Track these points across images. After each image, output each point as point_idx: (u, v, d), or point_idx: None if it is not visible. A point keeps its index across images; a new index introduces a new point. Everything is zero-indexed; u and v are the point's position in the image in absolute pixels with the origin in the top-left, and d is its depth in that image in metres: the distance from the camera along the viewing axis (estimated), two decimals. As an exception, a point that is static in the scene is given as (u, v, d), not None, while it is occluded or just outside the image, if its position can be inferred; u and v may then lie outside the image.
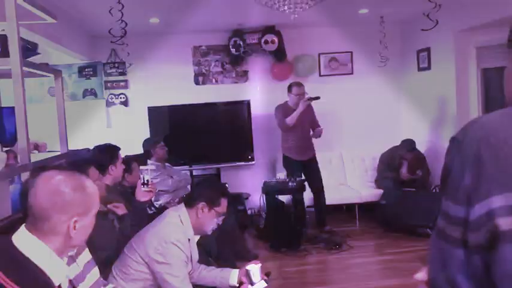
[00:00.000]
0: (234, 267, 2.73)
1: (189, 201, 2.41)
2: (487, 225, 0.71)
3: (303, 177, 5.09)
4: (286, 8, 3.69)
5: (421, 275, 0.88)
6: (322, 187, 5.18)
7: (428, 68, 5.48)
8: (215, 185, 2.45)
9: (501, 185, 0.71)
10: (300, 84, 5.07)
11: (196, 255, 2.41)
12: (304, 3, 3.53)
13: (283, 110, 5.02)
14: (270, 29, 5.71)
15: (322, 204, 5.21)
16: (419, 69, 5.68)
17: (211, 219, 2.41)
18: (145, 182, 2.86)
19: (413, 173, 5.28)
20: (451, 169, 0.79)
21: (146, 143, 4.69)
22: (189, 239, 2.34)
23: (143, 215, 2.82)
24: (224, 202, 2.44)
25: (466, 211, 0.74)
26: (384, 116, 6.17)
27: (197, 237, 2.46)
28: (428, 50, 5.44)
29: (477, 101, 5.00)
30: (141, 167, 3.26)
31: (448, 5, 4.26)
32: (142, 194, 2.83)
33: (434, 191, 5.29)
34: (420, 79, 5.70)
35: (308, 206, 5.25)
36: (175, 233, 2.27)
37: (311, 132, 5.16)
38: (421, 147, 5.50)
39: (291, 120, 4.89)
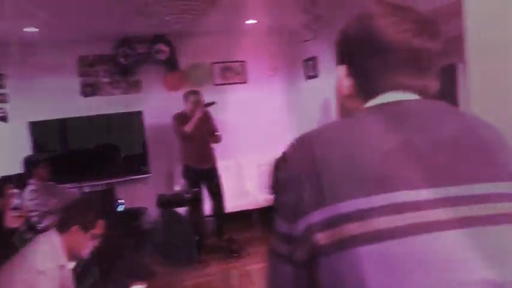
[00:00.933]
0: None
1: (61, 225, 2.25)
2: (308, 241, 0.72)
3: (202, 186, 5.04)
4: (169, 18, 3.63)
5: None
6: (222, 196, 5.17)
7: (316, 76, 5.72)
8: (89, 205, 2.31)
9: (317, 201, 0.72)
10: (196, 92, 5.03)
11: (69, 283, 2.25)
12: (186, 13, 3.50)
13: (181, 118, 4.95)
14: (161, 38, 5.61)
15: (221, 213, 5.20)
16: (307, 77, 5.92)
17: (86, 243, 2.27)
18: (16, 207, 2.63)
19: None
20: (279, 186, 0.79)
21: (26, 162, 4.34)
22: (62, 266, 2.18)
23: (10, 245, 2.58)
24: (101, 223, 2.31)
25: (290, 227, 0.75)
26: (277, 123, 6.33)
27: (72, 264, 2.30)
28: (314, 59, 5.68)
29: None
30: (14, 191, 3.00)
31: (330, 16, 4.47)
32: (11, 220, 2.59)
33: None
34: (308, 87, 5.94)
35: (207, 216, 5.21)
36: (44, 261, 2.10)
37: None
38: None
39: (188, 127, 4.84)
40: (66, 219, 2.26)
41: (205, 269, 4.45)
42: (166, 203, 4.83)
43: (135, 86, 5.84)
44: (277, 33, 5.84)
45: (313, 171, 0.73)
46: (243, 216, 5.86)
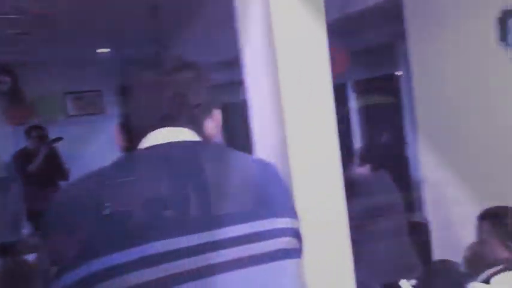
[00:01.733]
0: None
1: None
2: None
3: None
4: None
5: None
6: None
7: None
8: None
9: (68, 260, 0.66)
10: (39, 127, 4.62)
11: None
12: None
13: (23, 156, 4.47)
14: (1, 68, 5.05)
15: None
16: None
17: None
18: None
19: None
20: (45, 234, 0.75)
21: None
22: None
23: None
24: None
25: None
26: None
27: None
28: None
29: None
30: None
31: (176, 45, 4.46)
32: None
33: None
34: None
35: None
36: None
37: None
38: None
39: (34, 166, 4.41)
40: None
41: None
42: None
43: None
44: (132, 60, 5.65)
45: (64, 228, 0.69)
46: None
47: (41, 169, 4.47)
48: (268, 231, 0.73)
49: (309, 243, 0.86)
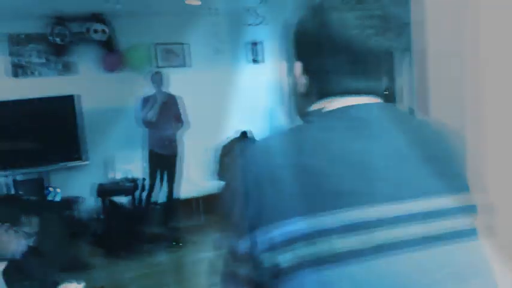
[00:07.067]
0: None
1: (-13, 225, 2.04)
2: (270, 261, 0.65)
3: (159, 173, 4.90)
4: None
5: None
6: (173, 184, 5.04)
7: (260, 60, 5.65)
8: (19, 202, 2.13)
9: (278, 217, 0.65)
10: (156, 72, 4.88)
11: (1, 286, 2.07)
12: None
13: (146, 102, 4.75)
14: (97, 17, 5.29)
15: (170, 201, 5.06)
16: (253, 61, 5.84)
17: (18, 242, 2.08)
18: None
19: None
20: (233, 197, 0.71)
21: None
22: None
23: None
24: (34, 220, 2.13)
25: (248, 245, 0.67)
26: (221, 107, 6.22)
27: (2, 265, 2.11)
28: (260, 43, 5.60)
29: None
30: None
31: (275, 0, 4.41)
32: None
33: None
34: (254, 71, 5.87)
35: (152, 203, 5.04)
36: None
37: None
38: (258, 137, 5.69)
39: (151, 115, 4.67)
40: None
41: (147, 260, 4.32)
42: (106, 191, 4.63)
43: (70, 67, 5.50)
44: (221, 15, 5.68)
45: (273, 182, 0.67)
46: (189, 204, 5.74)
47: (160, 115, 4.69)
48: (462, 207, 0.70)
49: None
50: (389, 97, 0.72)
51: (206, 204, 5.50)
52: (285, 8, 4.85)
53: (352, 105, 0.74)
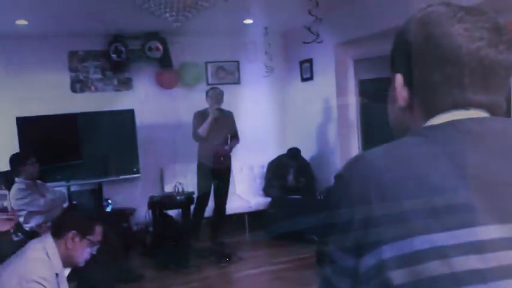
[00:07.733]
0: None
1: (57, 231, 2.13)
2: (378, 278, 0.63)
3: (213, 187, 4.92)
4: (168, 15, 3.52)
5: None
6: (225, 200, 5.07)
7: (311, 78, 5.66)
8: (86, 210, 2.21)
9: (390, 232, 0.63)
10: (214, 88, 4.94)
11: (66, 292, 2.14)
12: (186, 11, 3.39)
13: (200, 117, 4.82)
14: (153, 35, 5.48)
15: (220, 216, 5.10)
16: (303, 79, 5.85)
17: (83, 250, 2.15)
18: (4, 208, 2.48)
19: (298, 181, 5.43)
20: (338, 212, 0.70)
21: (14, 159, 4.17)
22: (57, 274, 2.06)
23: (4, 248, 2.44)
24: (98, 229, 2.20)
25: (355, 261, 0.66)
26: (270, 125, 6.26)
27: (67, 271, 2.19)
28: (310, 61, 5.62)
29: (355, 109, 5.30)
30: (1, 191, 2.84)
31: (328, 19, 4.42)
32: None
33: (319, 197, 5.47)
34: (304, 89, 5.88)
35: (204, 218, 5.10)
36: (39, 270, 1.98)
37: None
38: (306, 155, 5.67)
39: (202, 131, 4.71)
40: (63, 225, 2.15)
41: (196, 274, 4.35)
42: (157, 204, 4.72)
43: (126, 83, 5.71)
44: (272, 33, 5.75)
45: (382, 196, 0.65)
46: (234, 220, 5.77)
47: (211, 132, 4.74)
48: None
49: None
50: (501, 111, 0.68)
51: (252, 220, 5.51)
52: (339, 26, 4.87)
53: (463, 119, 0.71)
